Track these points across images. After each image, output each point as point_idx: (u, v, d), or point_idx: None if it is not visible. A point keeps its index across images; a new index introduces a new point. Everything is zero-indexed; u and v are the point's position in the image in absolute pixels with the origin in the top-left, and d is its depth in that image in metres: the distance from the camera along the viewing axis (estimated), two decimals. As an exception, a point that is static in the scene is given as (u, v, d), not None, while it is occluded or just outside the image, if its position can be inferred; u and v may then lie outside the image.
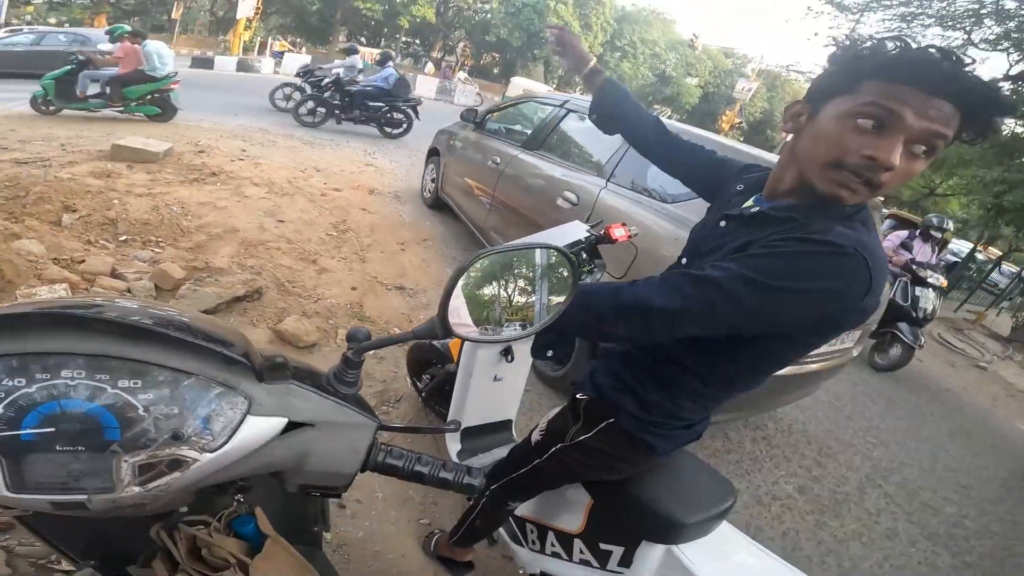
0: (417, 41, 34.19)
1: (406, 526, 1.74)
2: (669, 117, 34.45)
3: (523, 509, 1.37)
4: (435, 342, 1.99)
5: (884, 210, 9.23)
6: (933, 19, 8.82)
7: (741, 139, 33.90)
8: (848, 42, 0.73)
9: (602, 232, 1.30)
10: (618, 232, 1.33)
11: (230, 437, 0.52)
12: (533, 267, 0.70)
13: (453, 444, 1.78)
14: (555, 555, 1.28)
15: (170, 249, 2.96)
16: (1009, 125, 9.50)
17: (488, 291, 0.68)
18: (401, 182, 5.75)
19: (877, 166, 0.69)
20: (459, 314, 0.63)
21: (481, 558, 1.61)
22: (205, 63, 14.43)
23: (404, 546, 1.66)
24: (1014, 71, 8.65)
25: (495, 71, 32.64)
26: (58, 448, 0.47)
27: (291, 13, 28.49)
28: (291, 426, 0.56)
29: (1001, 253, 13.80)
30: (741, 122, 28.73)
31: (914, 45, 0.69)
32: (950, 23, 8.78)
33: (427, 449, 2.08)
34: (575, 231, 1.29)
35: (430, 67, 28.55)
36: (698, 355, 0.86)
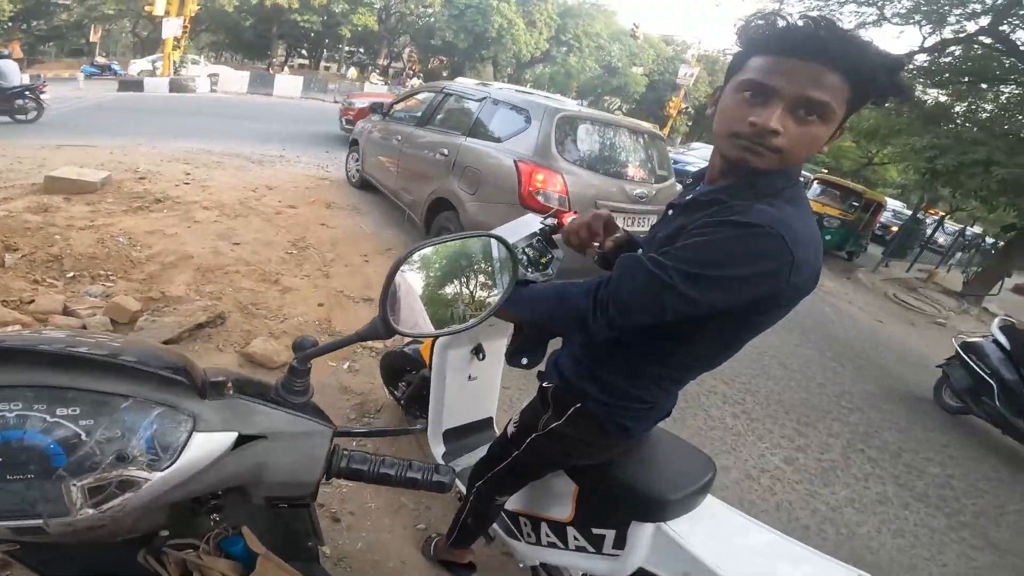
0: (361, 50, 33.63)
1: (403, 533, 1.74)
2: (619, 108, 35.09)
3: (513, 503, 1.38)
4: (406, 348, 1.99)
5: (808, 175, 9.74)
6: None
7: (689, 124, 34.89)
8: (742, 23, 0.78)
9: (556, 222, 1.33)
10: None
11: (178, 455, 0.52)
12: (478, 259, 0.71)
13: (437, 447, 1.77)
14: (551, 545, 1.29)
15: (122, 282, 2.84)
16: (932, 94, 10.15)
17: (435, 285, 0.69)
18: (358, 194, 5.67)
19: (765, 131, 0.74)
20: (405, 310, 0.64)
21: (481, 557, 1.62)
22: (134, 86, 13.82)
23: (404, 553, 1.66)
24: (928, 43, 9.20)
25: (444, 74, 32.44)
26: (8, 477, 0.49)
27: (222, 30, 27.50)
28: (243, 439, 0.57)
29: (942, 214, 14.68)
30: (687, 107, 29.53)
31: (795, 19, 0.73)
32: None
33: (413, 455, 2.08)
34: (530, 224, 1.31)
35: (375, 75, 28.15)
36: (655, 341, 0.89)
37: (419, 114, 4.53)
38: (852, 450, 3.13)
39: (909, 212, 14.92)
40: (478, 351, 1.68)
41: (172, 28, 15.07)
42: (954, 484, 3.06)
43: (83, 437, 0.49)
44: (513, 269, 0.70)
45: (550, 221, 1.31)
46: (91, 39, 21.00)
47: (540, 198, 3.11)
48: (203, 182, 4.94)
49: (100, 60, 19.05)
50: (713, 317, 0.80)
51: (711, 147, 0.91)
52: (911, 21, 9.18)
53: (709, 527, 1.08)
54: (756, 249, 0.73)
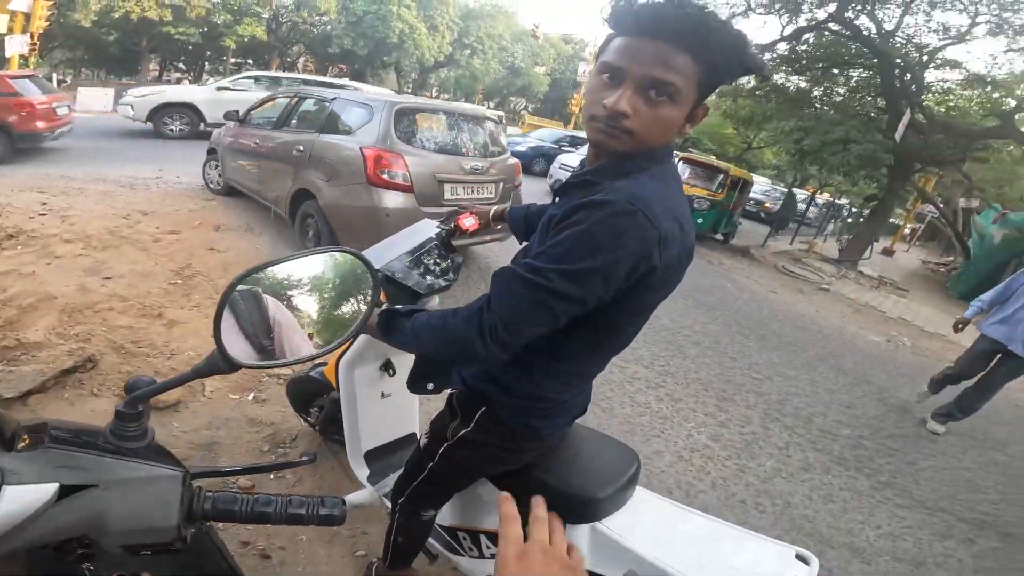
0: (250, 61, 31.49)
1: (341, 562, 1.65)
2: (524, 108, 35.71)
3: (447, 518, 1.33)
4: (311, 372, 1.89)
5: (677, 153, 10.39)
6: None
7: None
8: (607, 5, 0.79)
9: (452, 226, 1.30)
10: (467, 222, 1.33)
11: None
12: (338, 278, 0.66)
13: (360, 469, 1.68)
14: (494, 556, 1.25)
15: (-33, 332, 2.40)
16: (794, 80, 11.33)
17: (281, 308, 0.63)
18: (250, 212, 5.23)
19: (616, 114, 0.74)
20: (250, 338, 0.59)
21: (430, 576, 1.54)
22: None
23: (346, 583, 1.53)
24: (787, 32, 10.18)
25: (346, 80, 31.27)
26: None
27: (80, 46, 24.52)
28: (69, 489, 0.52)
29: (812, 190, 16.50)
30: (591, 105, 30.78)
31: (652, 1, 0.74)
32: None
33: (336, 481, 1.95)
34: (425, 230, 1.26)
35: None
36: (546, 337, 0.86)
37: (275, 117, 4.86)
38: (769, 420, 3.31)
39: (778, 189, 16.63)
40: (387, 367, 1.60)
41: (16, 46, 13.16)
42: (866, 444, 3.29)
43: None
44: (374, 290, 0.64)
45: (446, 226, 1.27)
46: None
47: (385, 176, 3.60)
48: (63, 211, 4.33)
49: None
50: (601, 310, 0.79)
51: None
52: (772, 11, 10.07)
53: (644, 520, 1.07)
54: (618, 229, 0.71)
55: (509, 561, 0.51)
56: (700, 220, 8.68)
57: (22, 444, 0.52)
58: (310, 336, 0.65)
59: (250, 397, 2.34)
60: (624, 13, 0.74)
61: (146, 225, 4.33)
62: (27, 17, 13.55)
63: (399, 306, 0.95)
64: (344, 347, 1.38)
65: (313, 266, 0.65)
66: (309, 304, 0.65)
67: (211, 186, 5.92)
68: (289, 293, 0.64)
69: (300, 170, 4.12)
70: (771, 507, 2.45)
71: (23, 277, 3.04)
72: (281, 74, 13.02)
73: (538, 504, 0.60)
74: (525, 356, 0.90)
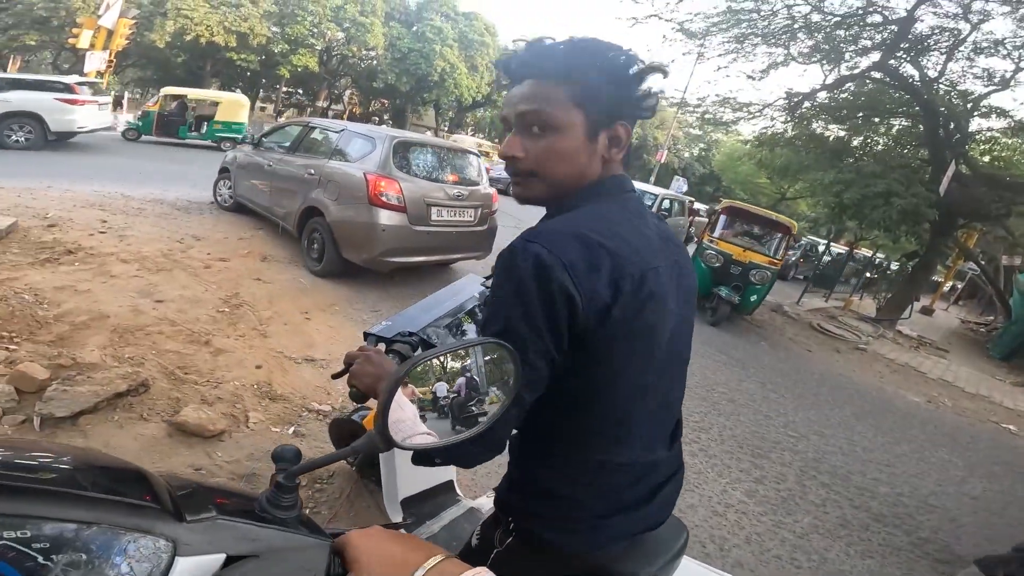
0: (300, 91, 33.24)
1: None
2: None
3: None
4: (353, 416, 1.89)
5: (724, 200, 9.81)
6: (759, 38, 9.85)
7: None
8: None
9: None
10: None
11: None
12: (478, 362, 0.67)
13: (396, 516, 1.65)
14: None
15: (27, 345, 2.50)
16: (833, 129, 11.17)
17: (432, 392, 0.65)
18: (295, 244, 5.32)
19: (512, 159, 0.77)
20: (402, 421, 0.59)
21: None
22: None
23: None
24: (829, 81, 9.98)
25: (386, 116, 32.63)
26: None
27: (151, 65, 26.37)
28: (232, 559, 0.54)
29: (849, 244, 16.00)
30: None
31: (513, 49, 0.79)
32: (772, 40, 9.83)
33: (371, 520, 1.93)
34: (470, 287, 1.26)
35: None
36: (542, 417, 0.77)
37: (287, 143, 5.52)
38: (805, 477, 3.23)
39: (811, 242, 16.11)
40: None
41: (95, 62, 14.16)
42: (905, 502, 3.18)
43: (40, 560, 0.44)
44: (515, 367, 0.63)
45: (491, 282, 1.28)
46: (8, 70, 19.46)
47: (383, 198, 4.26)
48: (121, 231, 4.55)
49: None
50: (570, 372, 0.71)
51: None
52: (812, 60, 9.90)
53: None
54: (516, 272, 0.66)
55: None
56: (754, 297, 6.81)
57: (191, 516, 0.53)
58: (452, 423, 0.66)
59: (290, 431, 2.34)
60: (502, 67, 0.79)
61: (198, 250, 4.52)
62: (109, 34, 14.61)
63: (405, 339, 0.95)
64: None
65: (463, 354, 0.67)
66: (454, 390, 0.67)
67: (222, 203, 6.35)
68: (437, 378, 0.66)
69: (310, 190, 4.71)
70: (807, 562, 2.37)
71: (78, 293, 3.17)
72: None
73: None
74: (513, 439, 0.82)
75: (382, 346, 1.11)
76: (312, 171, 4.80)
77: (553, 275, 0.64)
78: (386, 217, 4.24)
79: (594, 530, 0.79)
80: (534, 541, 0.81)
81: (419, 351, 1.10)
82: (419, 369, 0.63)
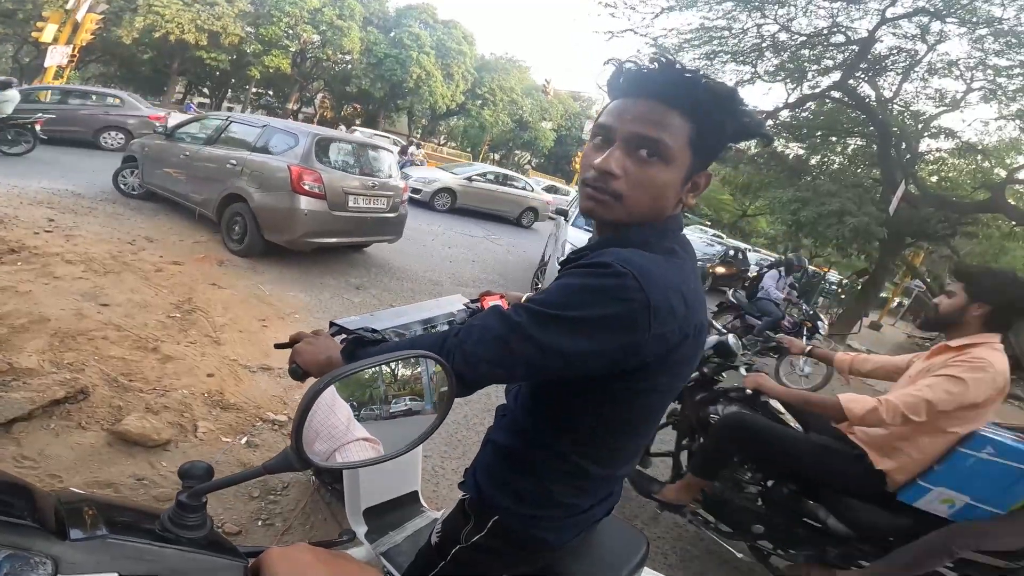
0: (270, 92, 32.59)
1: None
2: (528, 162, 36.32)
3: None
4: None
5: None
6: (728, 55, 10.34)
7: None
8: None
9: (478, 306, 1.31)
10: (494, 304, 1.34)
11: None
12: (407, 375, 0.66)
13: (358, 527, 1.61)
14: None
15: (-43, 350, 2.34)
16: (792, 148, 11.68)
17: (355, 408, 0.64)
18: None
19: (605, 175, 0.73)
20: (322, 437, 0.58)
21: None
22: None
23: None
24: (792, 99, 10.50)
25: (358, 122, 32.27)
26: None
27: (115, 61, 25.40)
28: None
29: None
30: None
31: (642, 63, 0.73)
32: (741, 58, 10.35)
33: (327, 533, 1.88)
34: (452, 304, 1.27)
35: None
36: (549, 427, 0.83)
37: (204, 136, 5.79)
38: None
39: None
40: None
41: (57, 56, 13.51)
42: None
43: None
44: (449, 394, 0.64)
45: (474, 305, 1.30)
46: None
47: (306, 187, 4.71)
48: (68, 231, 4.33)
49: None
50: (585, 389, 0.74)
51: None
52: (778, 78, 10.39)
53: None
54: (600, 287, 0.66)
55: None
56: None
57: (78, 534, 0.50)
58: (379, 439, 0.65)
59: (243, 441, 2.26)
60: (615, 77, 0.76)
61: (150, 253, 4.32)
62: (75, 28, 13.96)
63: (367, 333, 0.91)
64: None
65: (392, 369, 0.65)
66: (381, 405, 0.65)
67: (127, 191, 6.35)
68: (363, 394, 0.64)
69: (233, 179, 5.07)
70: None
71: (19, 295, 3.00)
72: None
73: None
74: (529, 452, 0.86)
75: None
76: (234, 162, 5.16)
77: (632, 308, 0.65)
78: (307, 203, 4.71)
79: (576, 526, 0.91)
80: (515, 537, 0.88)
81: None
82: (367, 376, 0.62)
